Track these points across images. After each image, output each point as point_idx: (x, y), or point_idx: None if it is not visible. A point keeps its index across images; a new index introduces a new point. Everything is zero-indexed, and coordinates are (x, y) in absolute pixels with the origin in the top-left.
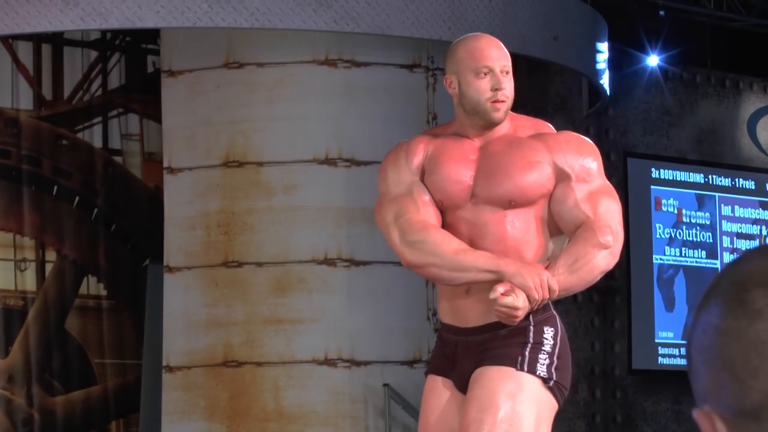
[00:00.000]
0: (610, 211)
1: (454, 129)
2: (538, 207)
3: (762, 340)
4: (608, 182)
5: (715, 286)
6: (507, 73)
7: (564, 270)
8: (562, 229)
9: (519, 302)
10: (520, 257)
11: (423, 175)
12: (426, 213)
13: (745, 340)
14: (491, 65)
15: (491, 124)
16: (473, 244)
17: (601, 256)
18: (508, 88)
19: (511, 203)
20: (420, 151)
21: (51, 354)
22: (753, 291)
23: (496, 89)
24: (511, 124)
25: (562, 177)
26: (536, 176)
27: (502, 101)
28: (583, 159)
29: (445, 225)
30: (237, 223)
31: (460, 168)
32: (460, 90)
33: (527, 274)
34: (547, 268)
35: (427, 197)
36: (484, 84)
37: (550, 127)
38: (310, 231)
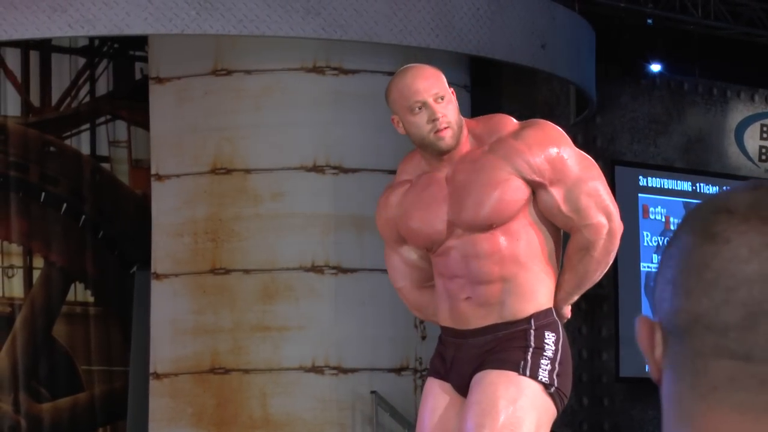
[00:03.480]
0: (592, 197)
1: (426, 159)
2: (522, 214)
3: (703, 263)
4: (581, 157)
5: (700, 205)
6: (442, 98)
7: (573, 286)
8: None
9: None
10: (519, 263)
11: (398, 231)
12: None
13: (691, 258)
14: (422, 99)
15: (442, 152)
16: (469, 265)
17: (600, 252)
18: (449, 113)
19: (492, 226)
20: (392, 211)
21: (38, 361)
22: (718, 215)
23: (433, 120)
24: (471, 139)
25: (535, 185)
26: (508, 195)
27: (445, 128)
28: (546, 157)
29: (435, 257)
30: (224, 230)
31: (432, 213)
32: (406, 128)
33: None
34: (556, 292)
35: (406, 265)
36: (421, 118)
37: (505, 123)
38: (297, 238)
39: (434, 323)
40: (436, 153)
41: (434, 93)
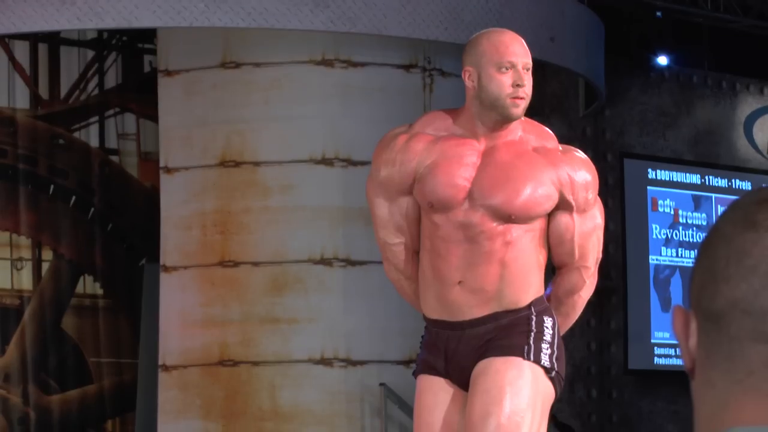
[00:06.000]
0: (598, 245)
1: (460, 123)
2: (534, 224)
3: (745, 250)
4: (602, 207)
5: (740, 198)
6: (528, 70)
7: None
8: (551, 248)
9: None
10: (519, 253)
11: (413, 180)
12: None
13: (732, 245)
14: (514, 61)
15: (507, 120)
16: (473, 239)
17: (587, 293)
18: (528, 86)
19: (510, 218)
20: (415, 156)
21: (47, 353)
22: (760, 205)
23: (517, 85)
24: (521, 130)
25: (564, 205)
26: (541, 197)
27: (522, 98)
28: (586, 192)
29: (430, 225)
30: (233, 223)
31: (457, 172)
32: (480, 83)
33: None
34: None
35: (405, 220)
36: (506, 79)
37: (554, 138)
38: (306, 231)
39: (416, 308)
40: (498, 117)
41: (525, 62)
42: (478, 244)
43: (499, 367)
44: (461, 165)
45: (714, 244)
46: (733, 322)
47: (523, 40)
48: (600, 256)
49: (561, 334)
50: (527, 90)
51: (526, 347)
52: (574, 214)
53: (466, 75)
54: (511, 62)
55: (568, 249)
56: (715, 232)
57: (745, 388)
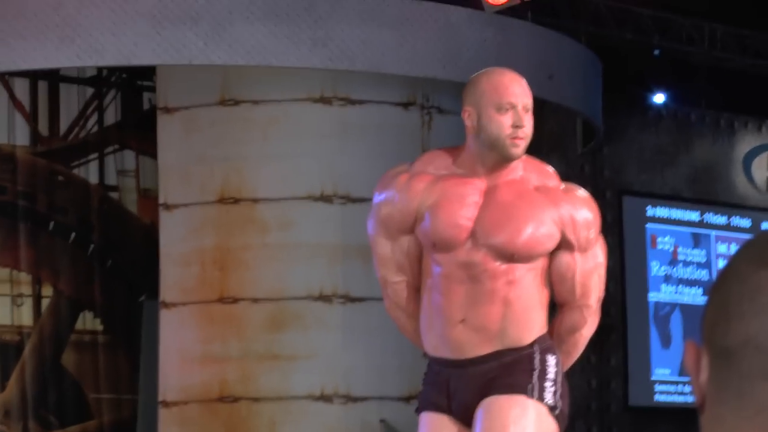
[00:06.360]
0: (600, 283)
1: (460, 162)
2: (537, 263)
3: (759, 288)
4: (604, 244)
5: (754, 237)
6: (528, 111)
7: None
8: (552, 286)
9: None
10: (522, 292)
11: (415, 219)
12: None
13: (746, 283)
14: (514, 101)
15: (507, 160)
16: (475, 279)
17: (588, 331)
18: (528, 126)
19: (513, 257)
20: (416, 196)
21: (47, 389)
22: None
23: (517, 126)
24: (522, 169)
25: (566, 244)
26: (543, 237)
27: (521, 138)
28: (588, 230)
29: (433, 264)
30: (232, 260)
31: (459, 212)
32: (480, 123)
33: None
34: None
35: (407, 258)
36: (506, 120)
37: (555, 176)
38: (305, 267)
39: (417, 345)
40: (498, 158)
41: (525, 102)
42: (481, 283)
43: (503, 404)
44: (463, 205)
45: (728, 281)
46: (745, 359)
47: (523, 81)
48: (602, 294)
49: (563, 371)
50: (527, 131)
51: (530, 385)
52: (576, 253)
53: (465, 115)
54: (510, 103)
55: (570, 287)
56: (729, 269)
57: (755, 425)
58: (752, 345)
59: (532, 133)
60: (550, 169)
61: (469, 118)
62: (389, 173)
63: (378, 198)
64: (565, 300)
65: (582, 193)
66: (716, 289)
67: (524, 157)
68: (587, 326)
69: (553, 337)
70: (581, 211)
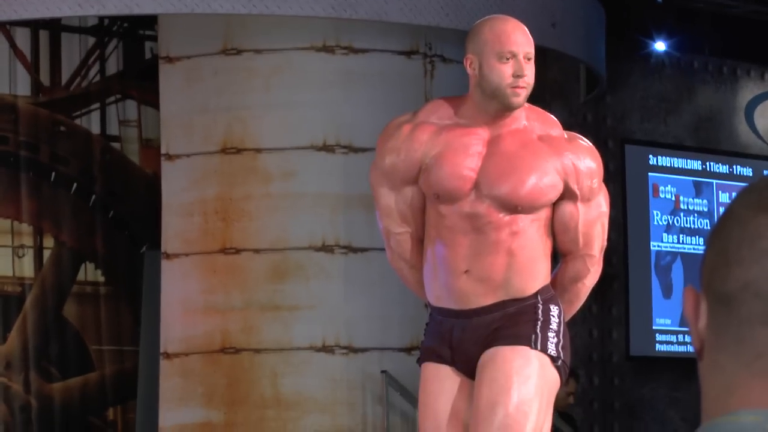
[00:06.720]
0: (602, 233)
1: (463, 112)
2: (540, 213)
3: (758, 233)
4: (607, 195)
5: (753, 183)
6: (529, 59)
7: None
8: (555, 236)
9: None
10: (526, 241)
11: (418, 170)
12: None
13: (746, 228)
14: (515, 50)
15: (508, 109)
16: (479, 230)
17: (591, 281)
18: (529, 75)
19: (516, 208)
20: (420, 147)
21: (48, 340)
22: None
23: (518, 75)
24: (525, 118)
25: (569, 194)
26: (547, 187)
27: (523, 87)
28: (591, 180)
29: (436, 216)
30: (235, 210)
31: (463, 163)
32: (481, 72)
33: None
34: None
35: (410, 209)
36: (507, 69)
37: (558, 125)
38: (307, 218)
39: (419, 296)
40: (499, 107)
41: (527, 51)
42: (485, 234)
43: (507, 355)
44: (467, 155)
45: (727, 227)
46: (744, 304)
47: (525, 29)
48: (605, 243)
49: (565, 321)
50: (528, 80)
51: (533, 336)
52: (579, 203)
53: (467, 63)
54: (512, 52)
55: (573, 237)
56: (729, 215)
57: (754, 371)
58: (751, 290)
59: (535, 81)
60: (554, 118)
61: (470, 66)
62: (392, 123)
63: (381, 148)
64: (568, 250)
65: (585, 142)
66: (715, 234)
67: (527, 105)
68: (590, 276)
69: (556, 287)
70: (584, 160)
